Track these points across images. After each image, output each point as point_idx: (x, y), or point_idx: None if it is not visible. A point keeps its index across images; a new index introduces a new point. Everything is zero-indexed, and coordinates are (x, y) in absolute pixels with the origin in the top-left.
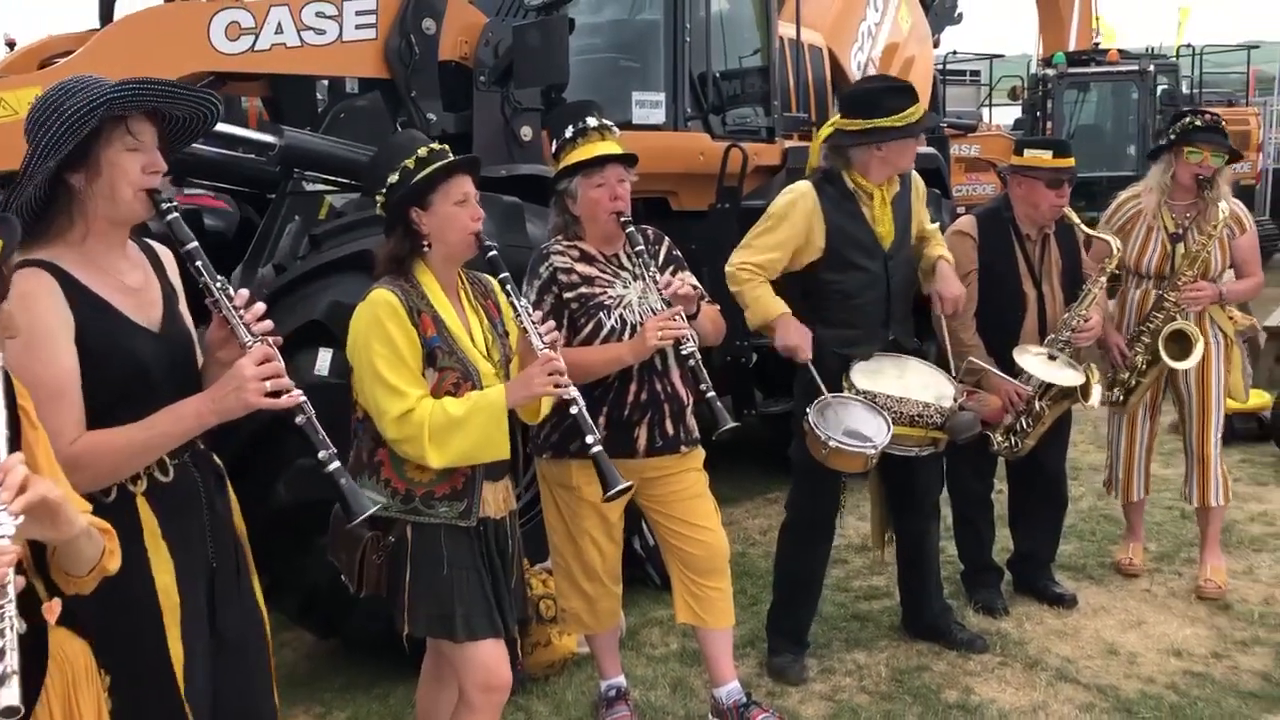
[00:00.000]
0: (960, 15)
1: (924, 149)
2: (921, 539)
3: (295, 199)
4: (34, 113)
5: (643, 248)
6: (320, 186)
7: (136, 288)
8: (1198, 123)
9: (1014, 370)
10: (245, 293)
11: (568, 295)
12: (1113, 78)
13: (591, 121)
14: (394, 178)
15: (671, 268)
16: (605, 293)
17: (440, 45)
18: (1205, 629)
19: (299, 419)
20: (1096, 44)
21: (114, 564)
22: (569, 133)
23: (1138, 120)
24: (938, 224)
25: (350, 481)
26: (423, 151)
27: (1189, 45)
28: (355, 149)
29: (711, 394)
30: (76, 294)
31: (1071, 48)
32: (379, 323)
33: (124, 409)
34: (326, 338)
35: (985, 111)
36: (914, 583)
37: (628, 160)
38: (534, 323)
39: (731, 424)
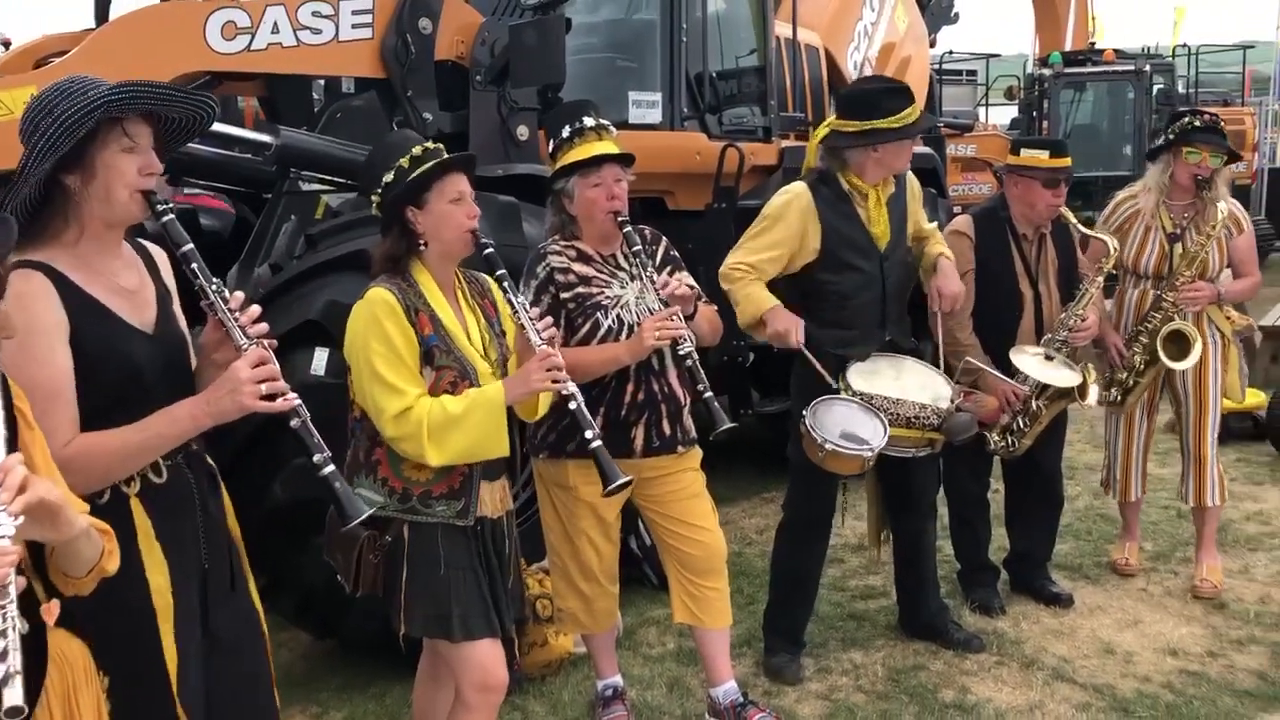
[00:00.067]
0: (956, 15)
1: (920, 149)
2: (918, 539)
3: (291, 199)
4: (29, 113)
5: (640, 248)
6: (316, 186)
7: (131, 289)
8: (1196, 123)
9: (1011, 370)
10: (241, 295)
11: (565, 295)
12: (1109, 77)
13: (588, 121)
14: (389, 177)
15: (669, 268)
16: (602, 293)
17: (436, 45)
18: (1201, 628)
19: (294, 422)
20: (1093, 44)
21: (113, 565)
22: (566, 132)
23: (1134, 120)
24: (935, 223)
25: (345, 485)
26: (417, 150)
27: (1185, 45)
28: (351, 149)
29: (709, 394)
30: (71, 295)
31: (1068, 47)
32: (376, 321)
33: (118, 411)
34: (323, 337)
35: (982, 111)
36: (911, 582)
37: (625, 160)
38: (531, 319)
39: (729, 424)
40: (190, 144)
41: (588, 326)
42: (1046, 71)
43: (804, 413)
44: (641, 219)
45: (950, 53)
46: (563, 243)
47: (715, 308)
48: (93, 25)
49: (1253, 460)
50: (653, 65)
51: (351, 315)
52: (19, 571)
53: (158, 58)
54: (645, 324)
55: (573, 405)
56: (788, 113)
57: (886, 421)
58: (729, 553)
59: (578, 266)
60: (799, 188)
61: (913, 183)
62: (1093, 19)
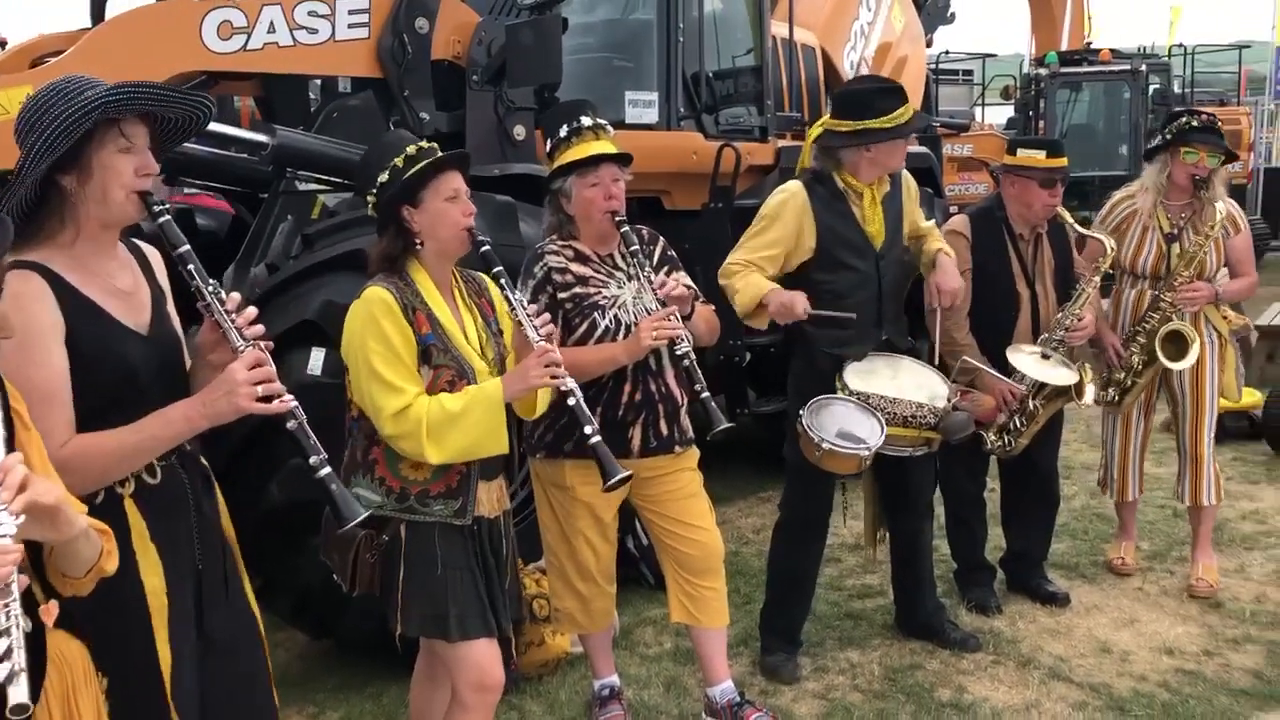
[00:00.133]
0: (953, 15)
1: (917, 148)
2: (915, 538)
3: (288, 198)
4: (25, 113)
5: (638, 247)
6: (313, 186)
7: (126, 290)
8: (1194, 123)
9: (1008, 370)
10: (237, 296)
11: (562, 295)
12: (1105, 77)
13: (586, 121)
14: (384, 176)
15: (666, 268)
16: (600, 293)
17: (433, 44)
18: (1197, 627)
19: (290, 424)
20: (1089, 43)
21: (112, 565)
22: (563, 132)
23: (1130, 120)
24: (932, 221)
25: (341, 487)
26: (411, 149)
27: (1181, 45)
28: (348, 148)
29: (706, 394)
30: (67, 297)
31: (1064, 47)
32: (374, 320)
33: (114, 412)
34: (319, 337)
35: (978, 111)
36: (907, 581)
37: (622, 160)
38: (529, 316)
39: (726, 424)
40: (187, 144)
41: (585, 326)
42: (1043, 71)
43: (801, 412)
44: (638, 219)
45: (947, 52)
46: (560, 242)
47: (713, 308)
48: (89, 25)
49: (1249, 459)
50: (649, 65)
51: (349, 314)
52: (20, 570)
53: (154, 57)
54: (643, 324)
55: (571, 401)
56: (784, 112)
57: (883, 421)
58: (726, 552)
59: (575, 266)
60: (794, 187)
61: (909, 181)
62: (1088, 18)
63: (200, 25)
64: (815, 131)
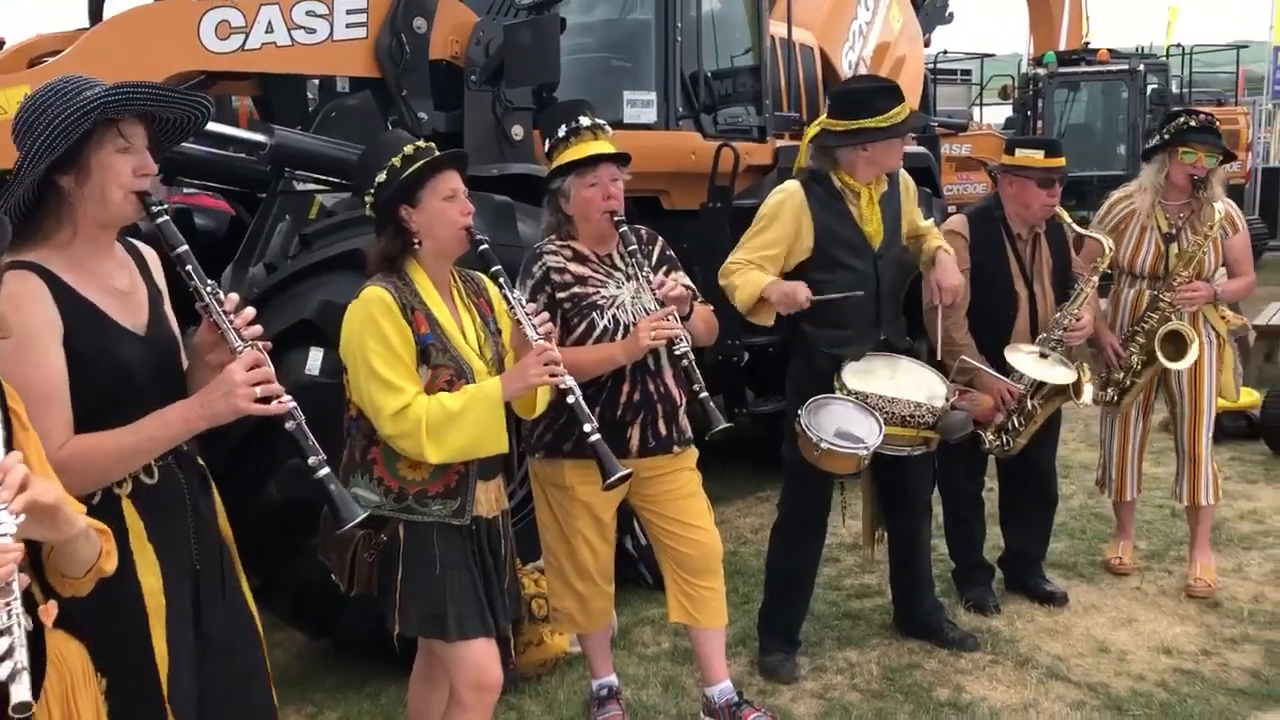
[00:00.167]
0: (951, 14)
1: (915, 148)
2: (913, 538)
3: (286, 198)
4: (23, 113)
5: (636, 247)
6: (311, 186)
7: (123, 290)
8: (1192, 123)
9: (1006, 370)
10: (235, 297)
11: (561, 295)
12: (1103, 77)
13: (584, 121)
14: (381, 176)
15: (665, 268)
16: (598, 293)
17: (431, 44)
18: (1195, 627)
19: (289, 425)
20: (1087, 43)
21: (111, 565)
22: (562, 132)
23: (1128, 119)
24: (931, 219)
25: (340, 488)
26: (409, 149)
27: (1179, 45)
28: (346, 148)
29: (704, 394)
30: (64, 297)
31: (1062, 47)
32: (373, 320)
33: (111, 413)
34: (317, 337)
35: (976, 111)
36: (906, 581)
37: (621, 159)
38: (527, 314)
39: (724, 425)
40: (185, 143)
41: (583, 326)
42: (1041, 71)
43: (799, 412)
44: (636, 219)
45: (945, 52)
46: (559, 242)
47: (711, 308)
48: (87, 24)
49: (1247, 459)
50: (647, 65)
51: (347, 314)
52: (20, 570)
53: (152, 57)
54: (641, 324)
55: (571, 400)
56: (783, 112)
57: (882, 420)
58: (724, 552)
59: (574, 266)
60: (792, 186)
61: (906, 181)
62: (1086, 18)
63: (198, 25)
64: (812, 131)
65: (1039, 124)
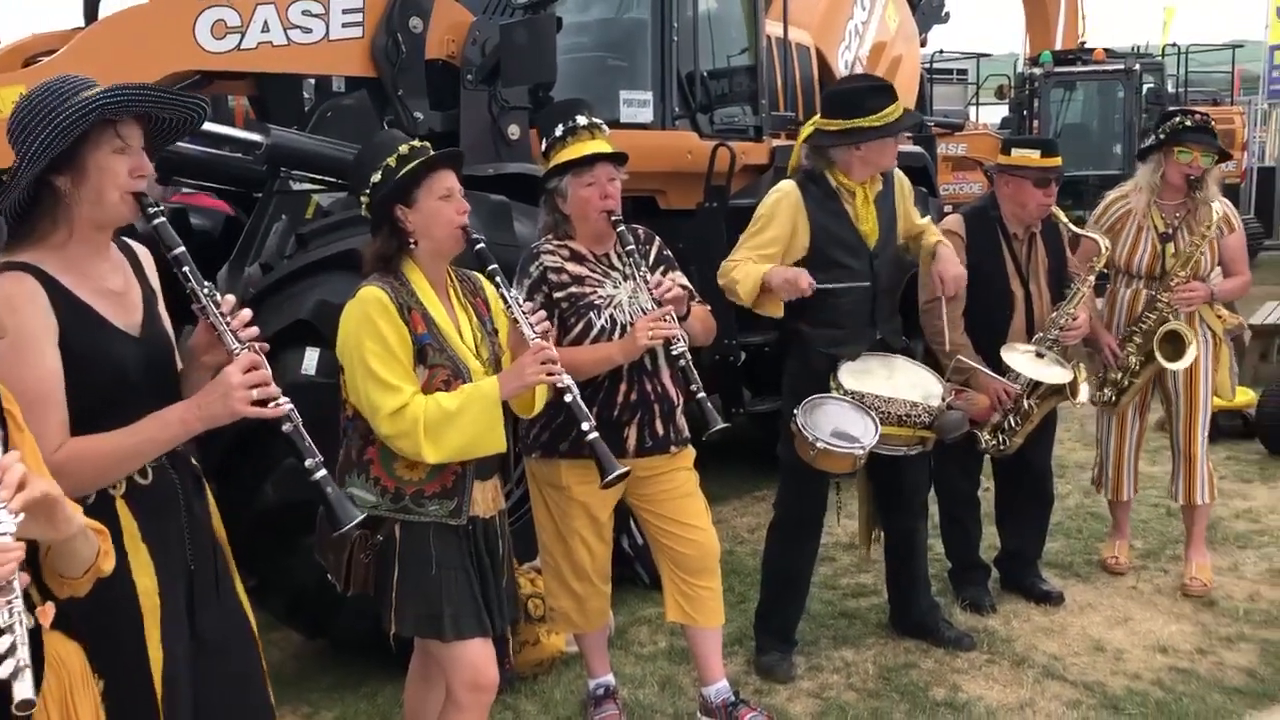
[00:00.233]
0: (947, 14)
1: (911, 148)
2: (910, 537)
3: (282, 198)
4: (18, 113)
5: (633, 247)
6: (307, 185)
7: (118, 291)
8: (1187, 123)
9: (1002, 370)
10: (232, 298)
11: (558, 295)
12: (1099, 77)
13: (581, 120)
14: (377, 176)
15: (662, 267)
16: (595, 292)
17: (427, 44)
18: (1191, 625)
19: (286, 427)
20: (1083, 43)
21: (108, 565)
22: (559, 131)
23: (1124, 119)
24: (928, 217)
25: (337, 490)
26: (404, 149)
27: (1174, 44)
28: (342, 148)
29: (702, 394)
30: (60, 298)
31: (1058, 47)
32: (370, 320)
33: (106, 414)
34: (314, 336)
35: (972, 110)
36: (902, 580)
37: (618, 159)
38: (524, 313)
39: (722, 425)
40: (181, 143)
41: (581, 326)
42: (1037, 71)
43: (795, 411)
44: (632, 218)
45: (941, 52)
46: (556, 242)
47: (708, 308)
48: (82, 24)
49: (1242, 458)
50: (644, 64)
51: (344, 314)
52: (20, 568)
53: (147, 56)
54: (638, 324)
55: (568, 398)
56: (779, 112)
57: (878, 420)
58: (721, 551)
59: (571, 266)
60: (788, 185)
61: (901, 180)
62: (1082, 18)
63: (194, 24)
64: (806, 131)
65: (1035, 123)
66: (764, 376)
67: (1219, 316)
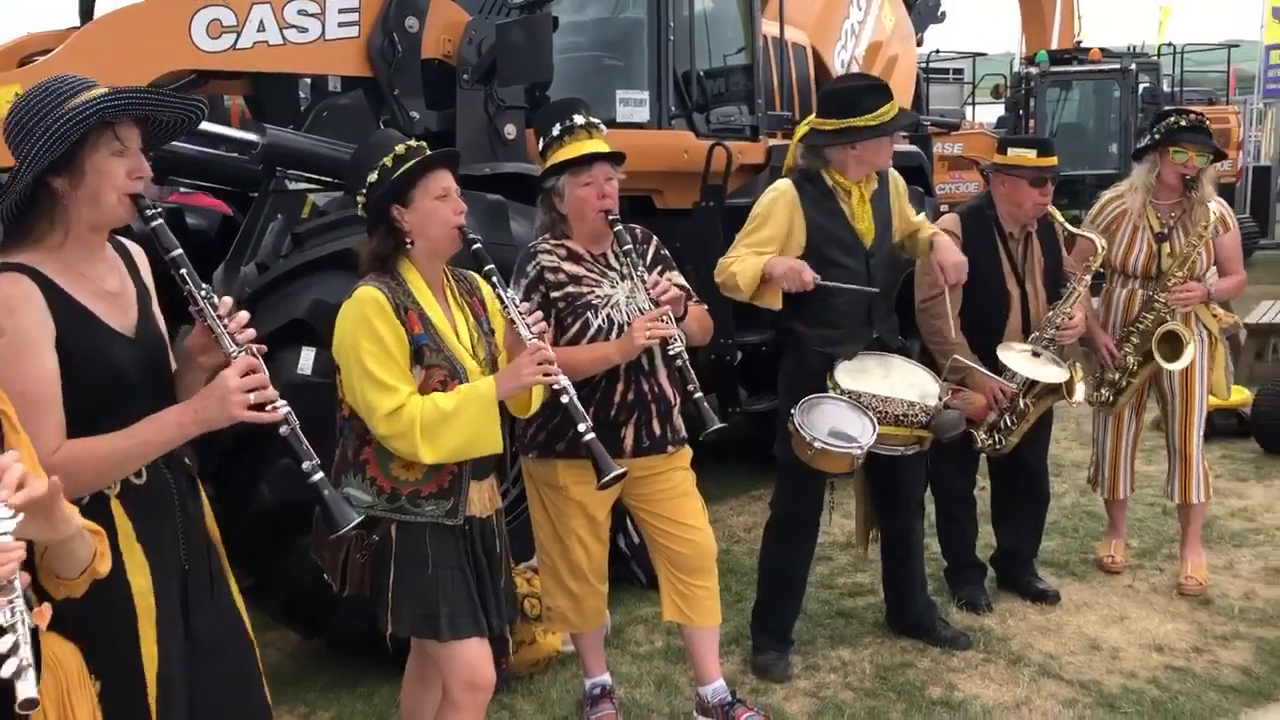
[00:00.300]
0: (943, 14)
1: (907, 147)
2: (906, 536)
3: (278, 197)
4: (16, 114)
5: (631, 247)
6: (303, 185)
7: (114, 292)
8: (1183, 122)
9: (998, 368)
10: (229, 301)
11: (555, 294)
12: (1095, 76)
13: (579, 119)
14: (373, 176)
15: (659, 267)
16: (593, 292)
17: (423, 43)
18: (1186, 624)
19: (283, 430)
20: (1079, 42)
21: (105, 566)
22: (556, 130)
23: (1120, 118)
24: (924, 214)
25: (334, 492)
26: (400, 149)
27: (1170, 44)
28: (338, 147)
29: (699, 394)
30: (57, 300)
31: (1054, 46)
32: (366, 320)
33: (102, 414)
34: (309, 336)
35: (968, 110)
36: (898, 580)
37: (615, 158)
38: (521, 314)
39: (719, 425)
40: (177, 143)
41: (578, 326)
42: (1033, 70)
43: (792, 411)
44: (629, 218)
45: (937, 51)
46: (553, 242)
47: (705, 307)
48: (77, 23)
49: (1238, 457)
50: (640, 64)
51: (340, 314)
52: (21, 568)
53: (142, 56)
54: (635, 323)
55: (565, 399)
56: (775, 111)
57: (875, 419)
58: (717, 551)
59: (568, 265)
60: (784, 184)
61: (896, 179)
62: (1078, 17)
63: (189, 24)
64: (801, 130)
65: (1031, 123)
66: (760, 376)
67: (1214, 315)
